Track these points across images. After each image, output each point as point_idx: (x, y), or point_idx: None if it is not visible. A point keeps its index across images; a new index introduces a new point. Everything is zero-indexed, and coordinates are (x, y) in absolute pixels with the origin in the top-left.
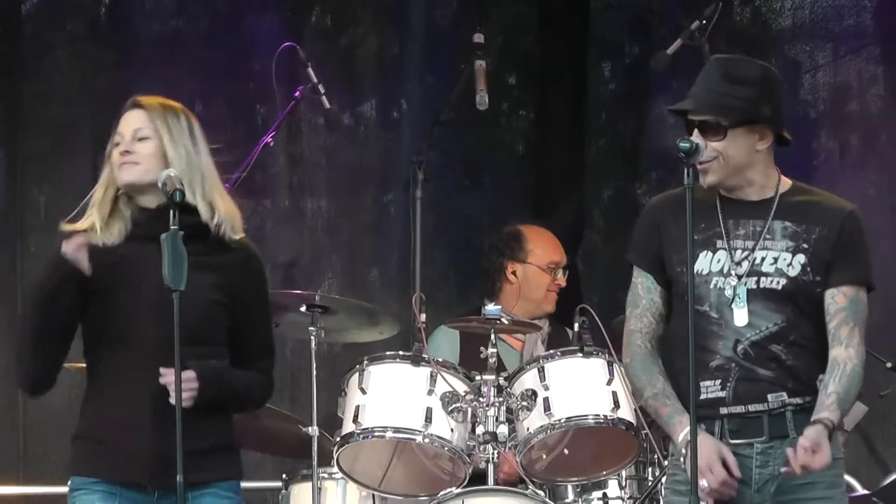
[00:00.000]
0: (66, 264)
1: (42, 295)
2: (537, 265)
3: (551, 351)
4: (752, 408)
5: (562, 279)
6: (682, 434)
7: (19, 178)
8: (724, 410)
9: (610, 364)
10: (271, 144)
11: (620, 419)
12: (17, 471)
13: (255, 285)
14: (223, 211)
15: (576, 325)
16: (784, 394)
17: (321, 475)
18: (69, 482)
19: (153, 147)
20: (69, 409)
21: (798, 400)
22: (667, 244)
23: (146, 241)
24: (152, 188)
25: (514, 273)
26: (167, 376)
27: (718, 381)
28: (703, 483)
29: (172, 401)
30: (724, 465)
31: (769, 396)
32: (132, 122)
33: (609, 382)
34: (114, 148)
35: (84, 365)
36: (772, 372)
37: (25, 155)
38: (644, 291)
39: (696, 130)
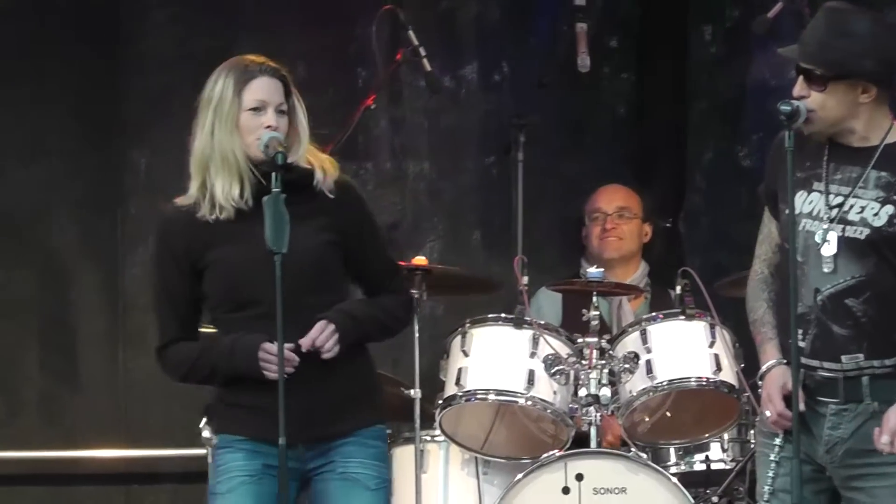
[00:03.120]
0: (252, 371)
1: (208, 377)
2: (588, 219)
3: (653, 313)
4: (826, 366)
5: (612, 221)
6: (764, 366)
7: (118, 142)
8: (803, 361)
9: (712, 327)
10: (373, 107)
11: (722, 381)
12: (118, 434)
13: (358, 213)
14: (317, 161)
15: (678, 288)
16: (860, 355)
17: (423, 438)
18: (214, 440)
19: (288, 122)
20: None
21: (875, 363)
22: (779, 179)
23: (251, 205)
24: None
25: (586, 235)
26: (307, 344)
27: (801, 330)
28: (765, 413)
29: (325, 355)
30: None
31: (843, 358)
32: (275, 95)
33: (711, 345)
34: (248, 112)
35: (214, 329)
36: (847, 330)
37: (124, 118)
38: (767, 220)
39: (800, 77)
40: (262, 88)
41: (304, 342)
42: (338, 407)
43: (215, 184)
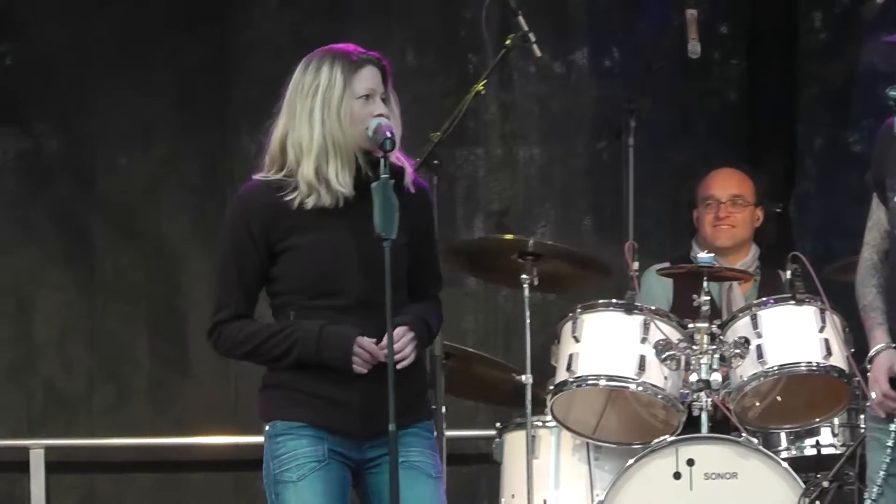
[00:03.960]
0: (338, 362)
1: (283, 358)
2: (701, 204)
3: (764, 298)
4: None
5: (725, 209)
6: (872, 350)
7: (229, 127)
8: None
9: (822, 311)
10: (483, 93)
11: (832, 367)
12: (228, 421)
13: (428, 217)
14: (402, 157)
15: (788, 273)
16: None
17: (535, 423)
18: (267, 427)
19: (390, 109)
20: None
21: None
22: (886, 166)
23: (348, 192)
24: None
25: (697, 219)
26: (383, 350)
27: None
28: (871, 395)
29: (402, 364)
30: (892, 380)
31: None
32: (379, 84)
33: (821, 330)
34: (358, 100)
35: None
36: None
37: (235, 104)
38: (875, 206)
39: None
40: (370, 77)
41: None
42: (401, 402)
43: (327, 170)
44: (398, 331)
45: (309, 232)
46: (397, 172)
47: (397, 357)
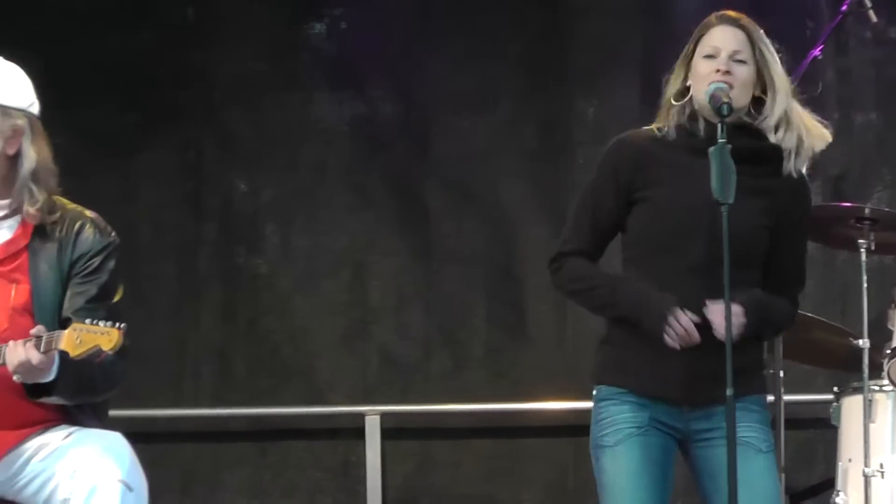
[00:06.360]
0: (653, 330)
1: (606, 309)
2: None
3: None
4: None
5: None
6: None
7: (567, 92)
8: None
9: None
10: (819, 58)
11: None
12: (566, 385)
13: (801, 211)
14: (805, 144)
15: None
16: None
17: (872, 388)
18: (594, 392)
19: (748, 73)
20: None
21: None
22: None
23: (702, 154)
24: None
25: None
26: (713, 314)
27: None
28: None
29: (716, 334)
30: None
31: None
32: (731, 40)
33: None
34: (702, 59)
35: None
36: None
37: (572, 68)
38: None
39: None
40: (718, 36)
41: (711, 308)
42: (724, 373)
43: (687, 127)
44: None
45: (664, 185)
46: (774, 149)
47: (716, 334)
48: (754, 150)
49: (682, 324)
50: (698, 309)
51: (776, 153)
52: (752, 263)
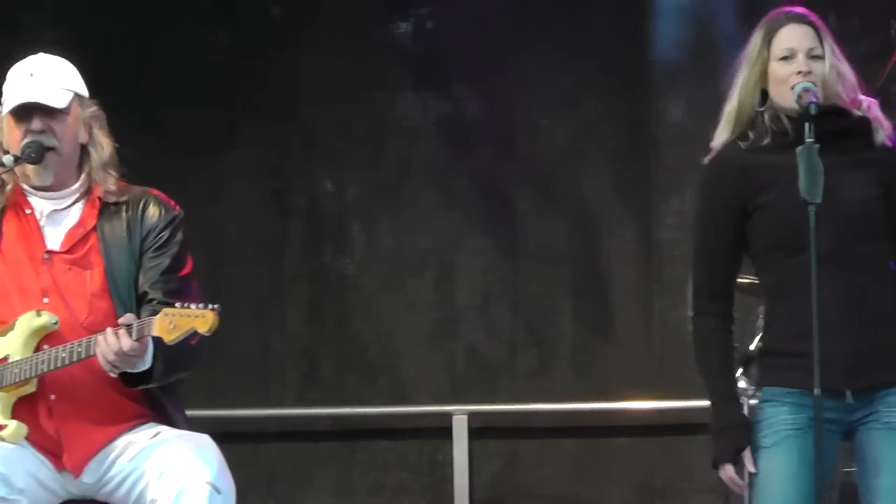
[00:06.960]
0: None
1: (712, 378)
2: None
3: None
4: None
5: None
6: None
7: (650, 91)
8: None
9: None
10: None
11: None
12: (653, 385)
13: None
14: (873, 106)
15: None
16: None
17: None
18: (759, 393)
19: (826, 67)
20: None
21: None
22: None
23: (791, 148)
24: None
25: None
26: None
27: None
28: None
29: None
30: None
31: None
32: (803, 38)
33: None
34: (779, 63)
35: (748, 280)
36: None
37: (656, 67)
38: None
39: None
40: (790, 36)
41: None
42: (887, 356)
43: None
44: None
45: (776, 189)
46: (862, 121)
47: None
48: (845, 127)
49: (723, 477)
50: (837, 296)
51: (866, 125)
52: (876, 235)
